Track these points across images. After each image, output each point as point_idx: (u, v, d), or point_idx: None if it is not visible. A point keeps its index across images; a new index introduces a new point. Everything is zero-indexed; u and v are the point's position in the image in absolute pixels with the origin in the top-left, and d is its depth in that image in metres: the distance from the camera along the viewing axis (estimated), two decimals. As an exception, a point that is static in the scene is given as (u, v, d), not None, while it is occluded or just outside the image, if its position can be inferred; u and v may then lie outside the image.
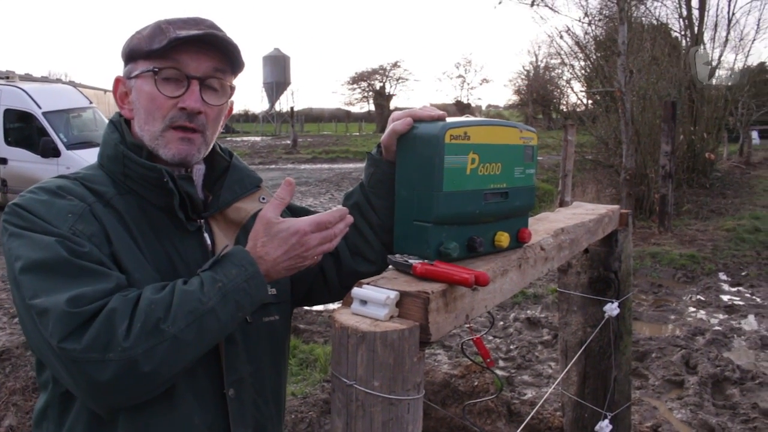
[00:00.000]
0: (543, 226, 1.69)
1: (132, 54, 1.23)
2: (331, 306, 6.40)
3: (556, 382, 2.26)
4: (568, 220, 1.84)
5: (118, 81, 1.28)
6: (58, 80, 24.66)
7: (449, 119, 1.22)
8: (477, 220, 1.22)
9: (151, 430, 1.14)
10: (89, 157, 10.76)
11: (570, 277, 2.35)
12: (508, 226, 1.29)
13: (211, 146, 1.28)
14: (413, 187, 1.18)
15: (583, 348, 2.26)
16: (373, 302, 0.96)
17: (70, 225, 1.09)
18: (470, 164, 1.18)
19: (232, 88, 1.28)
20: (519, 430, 1.78)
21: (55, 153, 10.65)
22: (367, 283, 1.01)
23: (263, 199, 1.34)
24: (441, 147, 1.13)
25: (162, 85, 1.19)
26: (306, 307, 6.18)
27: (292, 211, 1.48)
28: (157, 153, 1.21)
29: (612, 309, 2.17)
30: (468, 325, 1.13)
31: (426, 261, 1.08)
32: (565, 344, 2.39)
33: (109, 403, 1.05)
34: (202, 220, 1.26)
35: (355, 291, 0.98)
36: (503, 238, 1.26)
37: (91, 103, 12.64)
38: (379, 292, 0.96)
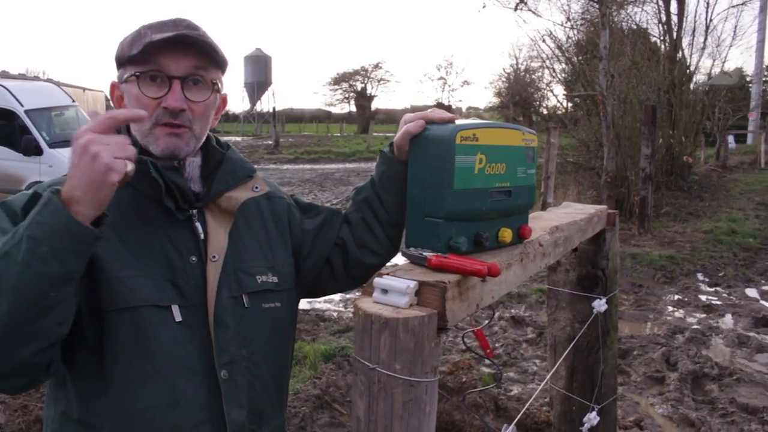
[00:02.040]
0: (538, 224, 1.76)
1: (120, 60, 1.29)
2: (318, 305, 6.46)
3: (547, 377, 2.34)
4: (561, 218, 1.92)
5: (113, 86, 1.34)
6: (36, 78, 24.39)
7: (458, 122, 1.29)
8: (483, 216, 1.29)
9: (140, 405, 1.19)
10: (72, 155, 10.70)
11: (559, 274, 2.42)
12: (511, 222, 1.37)
13: (202, 140, 1.33)
14: (425, 185, 1.25)
15: (573, 343, 2.33)
16: (394, 291, 1.03)
17: None
18: (478, 164, 1.25)
19: (215, 83, 1.32)
20: (513, 423, 1.85)
21: (38, 151, 10.57)
22: (387, 274, 1.08)
23: (256, 188, 1.40)
24: (452, 147, 1.20)
25: (145, 87, 1.24)
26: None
27: (301, 208, 1.54)
28: (148, 150, 1.26)
29: (600, 305, 2.24)
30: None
31: (439, 254, 1.16)
32: (554, 339, 2.46)
33: None
34: (195, 210, 1.31)
35: (377, 281, 1.05)
36: (506, 234, 1.34)
37: (73, 101, 12.57)
38: (400, 281, 1.03)
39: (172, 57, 1.24)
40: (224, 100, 1.40)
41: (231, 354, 1.28)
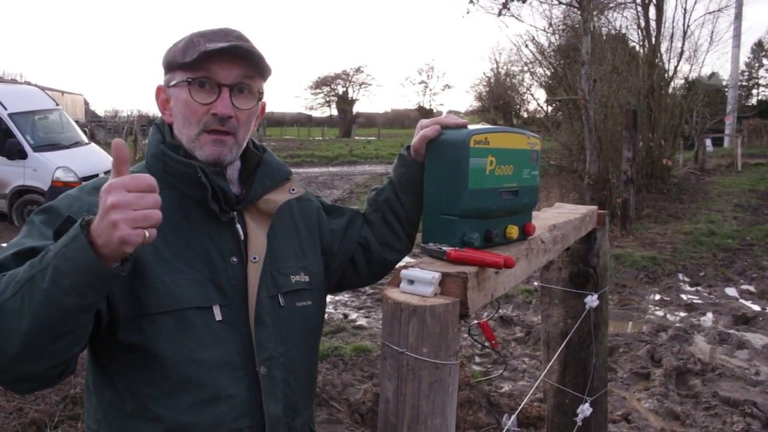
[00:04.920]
0: (537, 222, 1.84)
1: (170, 65, 1.34)
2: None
3: (543, 372, 2.43)
4: (557, 218, 2.01)
5: (159, 89, 1.39)
6: (14, 80, 24.16)
7: (471, 126, 1.39)
8: (493, 214, 1.39)
9: (184, 400, 1.25)
10: (56, 159, 10.68)
11: (552, 272, 2.50)
12: (517, 220, 1.47)
13: (243, 146, 1.39)
14: (441, 185, 1.35)
15: (567, 339, 2.42)
16: (420, 281, 1.12)
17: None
18: (489, 166, 1.35)
19: (261, 92, 1.38)
20: (515, 414, 1.94)
21: (22, 155, 10.54)
22: (412, 266, 1.17)
23: (293, 190, 1.46)
24: (467, 150, 1.30)
25: (196, 93, 1.29)
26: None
27: (326, 210, 1.61)
28: (193, 154, 1.32)
29: (592, 301, 2.32)
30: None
31: (457, 248, 1.25)
32: (547, 335, 2.54)
33: None
34: (235, 212, 1.36)
35: (404, 272, 1.14)
36: (513, 231, 1.43)
37: (57, 104, 12.51)
38: (426, 273, 1.12)
39: (223, 66, 1.29)
40: (263, 108, 1.45)
41: (269, 351, 1.34)
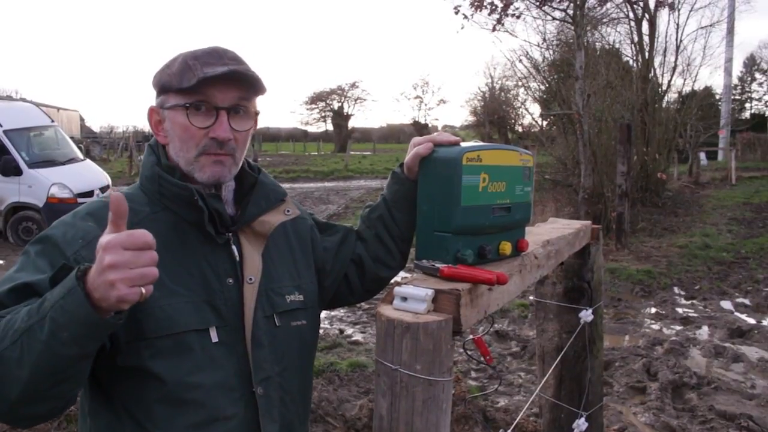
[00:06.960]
0: (530, 238, 1.86)
1: (163, 88, 1.33)
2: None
3: (538, 387, 2.43)
4: (550, 233, 2.03)
5: (152, 110, 1.37)
6: (9, 97, 24.21)
7: (463, 144, 1.41)
8: (486, 231, 1.40)
9: (183, 422, 1.25)
10: (52, 175, 10.71)
11: (546, 287, 2.51)
12: (510, 236, 1.48)
13: (240, 164, 1.39)
14: (434, 202, 1.36)
15: (562, 353, 2.42)
16: (414, 298, 1.13)
17: (75, 250, 1.22)
18: (482, 183, 1.36)
19: (257, 112, 1.38)
20: (510, 429, 1.95)
21: (17, 171, 10.56)
22: (405, 284, 1.18)
23: (288, 211, 1.46)
24: (459, 168, 1.31)
25: (193, 117, 1.29)
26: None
27: (320, 227, 1.61)
28: (192, 176, 1.32)
29: (587, 315, 2.33)
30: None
31: (450, 265, 1.26)
32: (542, 350, 2.55)
33: None
34: (231, 234, 1.36)
35: (397, 289, 1.15)
36: (506, 247, 1.45)
37: (52, 121, 12.54)
38: (419, 290, 1.13)
39: (221, 89, 1.29)
40: (255, 124, 1.45)
41: (266, 371, 1.34)
